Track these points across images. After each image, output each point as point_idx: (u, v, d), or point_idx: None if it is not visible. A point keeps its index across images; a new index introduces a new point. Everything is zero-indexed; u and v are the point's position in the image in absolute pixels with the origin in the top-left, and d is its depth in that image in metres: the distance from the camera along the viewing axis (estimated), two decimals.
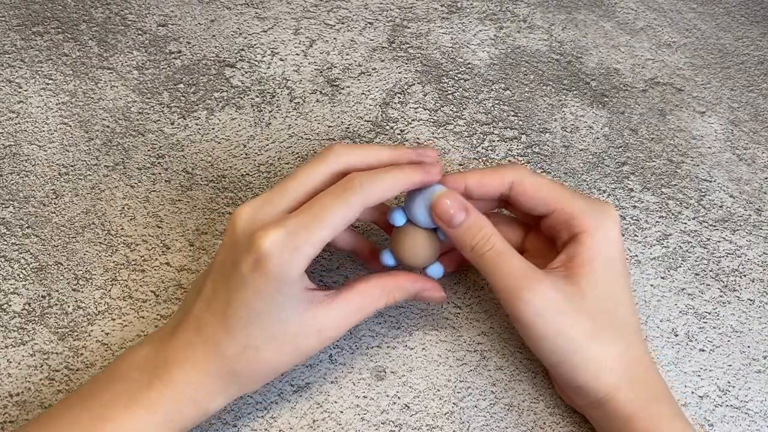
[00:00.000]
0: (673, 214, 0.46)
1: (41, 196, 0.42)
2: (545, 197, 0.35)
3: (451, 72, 0.51)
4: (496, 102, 0.50)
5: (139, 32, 0.51)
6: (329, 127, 0.47)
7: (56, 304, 0.39)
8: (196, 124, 0.47)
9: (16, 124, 0.45)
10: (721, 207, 0.47)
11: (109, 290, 0.39)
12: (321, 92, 0.49)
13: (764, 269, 0.44)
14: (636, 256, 0.43)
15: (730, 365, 0.40)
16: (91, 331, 0.38)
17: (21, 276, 0.39)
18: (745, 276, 0.43)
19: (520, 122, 0.49)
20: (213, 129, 0.46)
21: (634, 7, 0.58)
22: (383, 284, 0.34)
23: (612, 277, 0.34)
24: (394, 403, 0.37)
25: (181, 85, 0.48)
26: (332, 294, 0.33)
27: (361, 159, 0.33)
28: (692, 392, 0.39)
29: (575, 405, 0.36)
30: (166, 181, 0.44)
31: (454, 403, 0.37)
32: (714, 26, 0.58)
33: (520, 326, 0.34)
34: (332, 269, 0.41)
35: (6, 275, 0.39)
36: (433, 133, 0.48)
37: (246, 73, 0.50)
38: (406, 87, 0.50)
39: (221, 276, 0.32)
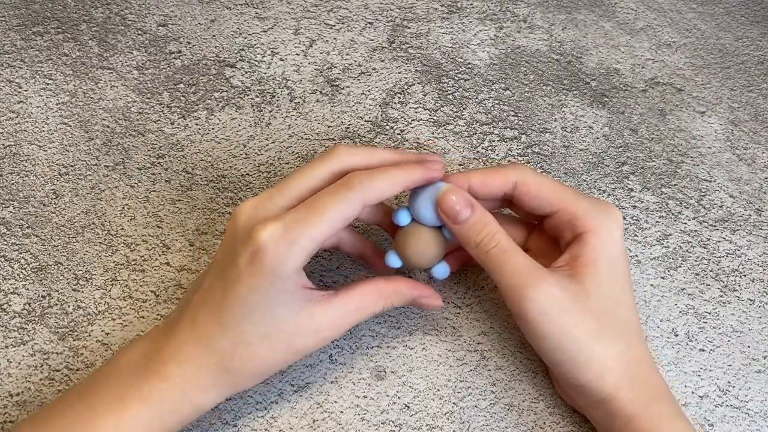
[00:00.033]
0: (673, 214, 0.46)
1: (41, 196, 0.42)
2: (549, 197, 0.35)
3: (451, 72, 0.51)
4: (496, 102, 0.50)
5: (139, 32, 0.51)
6: (329, 127, 0.47)
7: (56, 304, 0.39)
8: (196, 124, 0.47)
9: (16, 124, 0.45)
10: (721, 207, 0.47)
11: (109, 290, 0.39)
12: (321, 92, 0.49)
13: (764, 269, 0.44)
14: (636, 256, 0.43)
15: (730, 365, 0.40)
16: (91, 331, 0.38)
17: (21, 276, 0.39)
18: (745, 276, 0.43)
19: (520, 122, 0.49)
20: (213, 129, 0.46)
21: (634, 7, 0.58)
22: (381, 288, 0.34)
23: (614, 276, 0.34)
24: (394, 403, 0.37)
25: (181, 85, 0.48)
26: (330, 294, 0.33)
27: (363, 160, 0.34)
28: (692, 392, 0.39)
29: (576, 405, 0.36)
30: (166, 181, 0.44)
31: (454, 403, 0.37)
32: (714, 26, 0.58)
33: (523, 324, 0.34)
34: (332, 269, 0.41)
35: (6, 275, 0.39)
36: (433, 133, 0.48)
37: (246, 73, 0.50)
38: (406, 87, 0.50)
39: (220, 270, 0.32)
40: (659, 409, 0.33)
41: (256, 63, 0.50)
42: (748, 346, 0.41)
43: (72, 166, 0.44)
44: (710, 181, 0.48)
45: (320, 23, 0.53)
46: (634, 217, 0.45)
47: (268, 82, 0.49)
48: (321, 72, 0.50)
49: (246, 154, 0.45)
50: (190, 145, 0.46)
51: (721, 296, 0.42)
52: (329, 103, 0.49)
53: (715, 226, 0.46)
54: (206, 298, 0.32)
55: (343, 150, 0.33)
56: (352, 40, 0.52)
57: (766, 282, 0.43)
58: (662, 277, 0.43)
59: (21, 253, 0.40)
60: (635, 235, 0.44)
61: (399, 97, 0.49)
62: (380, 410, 0.37)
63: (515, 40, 0.54)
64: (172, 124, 0.46)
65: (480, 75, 0.51)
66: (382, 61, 0.51)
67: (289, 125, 0.47)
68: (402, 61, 0.52)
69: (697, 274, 0.43)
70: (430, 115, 0.49)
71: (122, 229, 0.42)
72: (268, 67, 0.50)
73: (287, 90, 0.49)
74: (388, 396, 0.37)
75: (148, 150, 0.45)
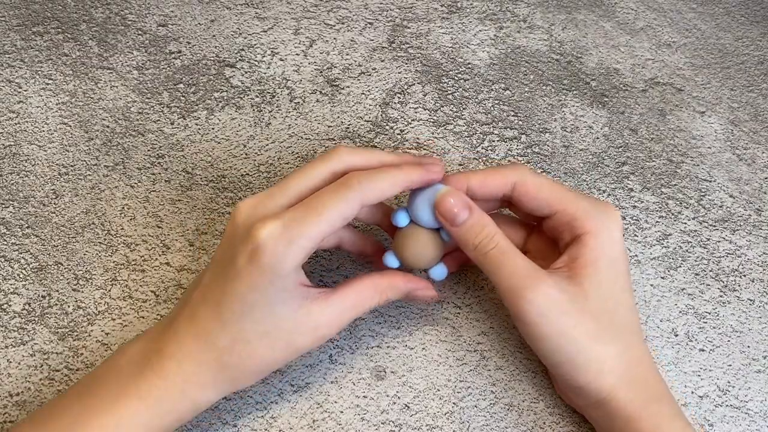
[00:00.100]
0: (673, 214, 0.46)
1: (41, 196, 0.42)
2: (548, 198, 0.35)
3: (451, 72, 0.51)
4: (496, 102, 0.50)
5: (139, 32, 0.51)
6: (329, 127, 0.47)
7: (56, 304, 0.39)
8: (196, 124, 0.47)
9: (16, 124, 0.45)
10: (721, 207, 0.47)
11: (109, 290, 0.39)
12: (321, 92, 0.49)
13: (764, 269, 0.44)
14: (636, 256, 0.43)
15: (730, 365, 0.40)
16: (91, 331, 0.38)
17: (21, 276, 0.39)
18: (745, 276, 0.43)
19: (520, 122, 0.49)
20: (213, 129, 0.46)
21: (634, 7, 0.58)
22: (377, 283, 0.34)
23: (614, 277, 0.34)
24: (394, 403, 0.37)
25: (181, 85, 0.48)
26: (328, 291, 0.33)
27: (364, 161, 0.34)
28: (692, 392, 0.39)
29: (575, 405, 0.36)
30: (166, 181, 0.44)
31: (454, 403, 0.37)
32: (714, 26, 0.58)
33: (522, 326, 0.34)
34: (332, 269, 0.41)
35: (6, 275, 0.39)
36: (433, 133, 0.48)
37: (246, 73, 0.50)
38: (406, 87, 0.50)
39: (219, 268, 0.32)
40: (659, 409, 0.33)
41: (256, 63, 0.50)
42: (748, 346, 0.41)
43: (72, 166, 0.44)
44: (710, 181, 0.48)
45: (320, 23, 0.53)
46: (634, 217, 0.45)
47: (268, 82, 0.49)
48: (321, 72, 0.50)
49: (246, 154, 0.45)
50: (190, 145, 0.46)
51: (721, 296, 0.42)
52: (329, 103, 0.49)
53: (715, 226, 0.46)
54: (206, 295, 0.32)
55: (343, 150, 0.34)
56: (352, 40, 0.52)
57: (766, 282, 0.43)
58: (662, 277, 0.43)
59: (21, 253, 0.40)
60: (635, 235, 0.44)
61: (399, 97, 0.49)
62: (380, 410, 0.37)
63: (515, 40, 0.54)
64: (172, 124, 0.46)
65: (480, 75, 0.51)
66: (382, 61, 0.51)
67: (289, 125, 0.47)
68: (402, 61, 0.52)
69: (697, 274, 0.43)
70: (430, 115, 0.49)
71: (122, 229, 0.42)
72: (268, 67, 0.50)
73: (287, 90, 0.49)
74: (388, 396, 0.37)
75: (148, 150, 0.45)
